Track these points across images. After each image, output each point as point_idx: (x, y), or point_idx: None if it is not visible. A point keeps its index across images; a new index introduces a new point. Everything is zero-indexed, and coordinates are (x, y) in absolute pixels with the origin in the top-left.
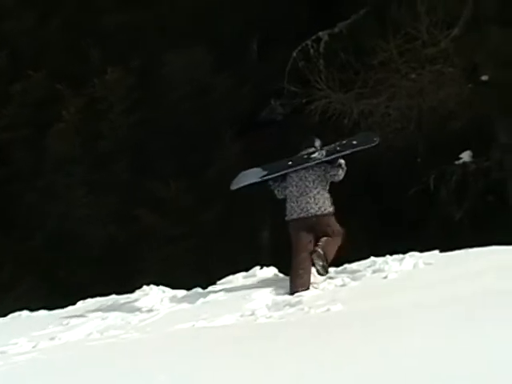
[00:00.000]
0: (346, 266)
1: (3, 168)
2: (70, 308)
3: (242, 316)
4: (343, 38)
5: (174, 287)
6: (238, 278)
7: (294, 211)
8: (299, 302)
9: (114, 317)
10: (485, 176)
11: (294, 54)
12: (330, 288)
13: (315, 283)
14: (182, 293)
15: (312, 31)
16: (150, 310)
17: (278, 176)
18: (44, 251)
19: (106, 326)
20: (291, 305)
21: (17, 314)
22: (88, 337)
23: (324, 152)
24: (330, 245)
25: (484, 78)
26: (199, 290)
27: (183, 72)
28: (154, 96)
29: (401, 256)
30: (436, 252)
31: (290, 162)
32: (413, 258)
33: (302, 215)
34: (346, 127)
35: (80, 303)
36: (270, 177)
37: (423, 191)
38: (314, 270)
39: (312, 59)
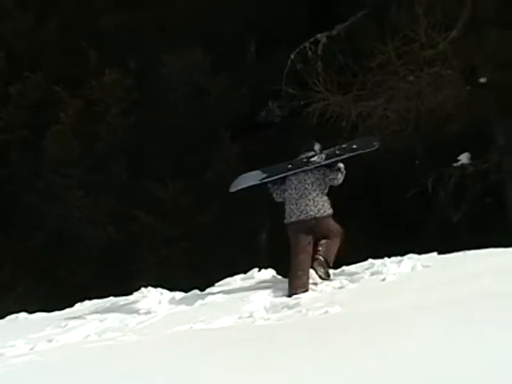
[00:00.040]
0: (344, 268)
1: (2, 169)
2: (68, 310)
3: (240, 318)
4: (341, 40)
5: (172, 289)
6: (236, 280)
7: (293, 213)
8: (297, 304)
9: (112, 319)
10: (483, 178)
11: (292, 56)
12: (328, 290)
13: (314, 285)
14: (180, 295)
15: (310, 33)
16: (148, 312)
17: (277, 179)
18: (43, 252)
19: (104, 328)
20: (289, 307)
21: (14, 316)
22: (86, 339)
23: (323, 156)
24: (330, 248)
25: (482, 80)
26: (197, 291)
27: (181, 73)
28: (152, 97)
29: (399, 258)
30: (434, 254)
31: (290, 166)
32: (411, 260)
33: (301, 217)
34: (344, 129)
35: (78, 305)
36: (269, 179)
37: (421, 193)
38: (313, 272)
39: (310, 61)
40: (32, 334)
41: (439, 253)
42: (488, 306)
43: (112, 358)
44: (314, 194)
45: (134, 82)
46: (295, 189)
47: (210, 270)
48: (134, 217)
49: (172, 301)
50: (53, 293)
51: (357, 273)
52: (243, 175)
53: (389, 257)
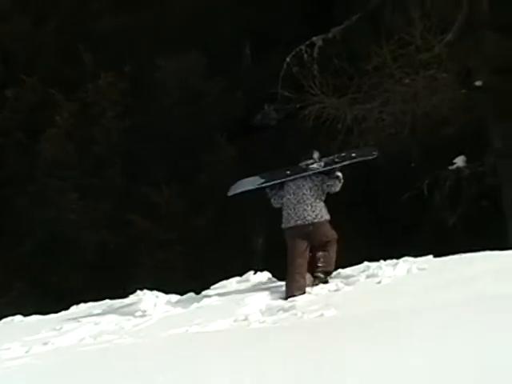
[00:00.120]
0: (340, 270)
1: None
2: (63, 313)
3: (235, 321)
4: (337, 43)
5: (167, 292)
6: (232, 283)
7: (290, 218)
8: (293, 307)
9: (108, 322)
10: (479, 181)
11: (288, 59)
12: (323, 293)
13: (310, 288)
14: (175, 298)
15: (306, 36)
16: (144, 315)
17: (275, 184)
18: (37, 256)
19: (99, 331)
20: (285, 310)
21: (9, 318)
22: (81, 342)
23: (322, 163)
24: (329, 261)
25: (478, 83)
26: (193, 294)
27: (176, 77)
28: (147, 101)
29: (394, 261)
30: (430, 257)
31: (288, 172)
32: (406, 263)
33: (298, 222)
34: (340, 132)
35: (73, 308)
36: (267, 184)
37: (417, 196)
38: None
39: (306, 64)
40: (27, 336)
41: (435, 256)
42: (484, 309)
43: (107, 361)
44: (312, 200)
45: (129, 85)
46: (293, 194)
47: (205, 273)
48: (129, 220)
49: (168, 304)
50: (46, 297)
51: (352, 275)
52: (241, 180)
53: (384, 259)
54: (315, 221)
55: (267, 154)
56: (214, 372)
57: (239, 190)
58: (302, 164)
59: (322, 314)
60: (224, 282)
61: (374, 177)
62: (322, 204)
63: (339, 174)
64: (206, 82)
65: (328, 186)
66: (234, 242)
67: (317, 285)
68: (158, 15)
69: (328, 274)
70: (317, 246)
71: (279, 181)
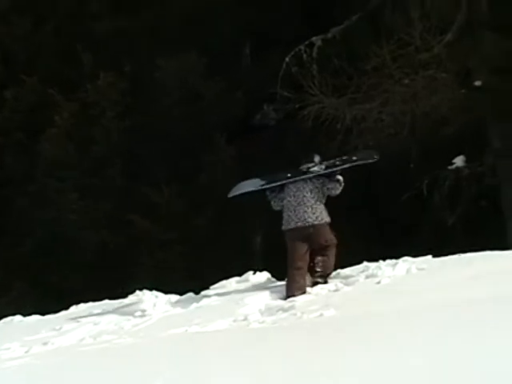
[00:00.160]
0: (339, 271)
1: None
2: (63, 313)
3: (234, 321)
4: (336, 44)
5: (167, 292)
6: (231, 283)
7: (291, 220)
8: (292, 307)
9: (107, 322)
10: (478, 181)
11: (287, 59)
12: (322, 293)
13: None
14: (175, 298)
15: (305, 36)
16: (143, 315)
17: (275, 186)
18: (37, 256)
19: (99, 331)
20: (284, 310)
21: (9, 318)
22: (81, 342)
23: (323, 166)
24: (327, 265)
25: (477, 83)
26: (192, 294)
27: (176, 77)
28: (147, 101)
29: (394, 261)
30: (429, 257)
31: (289, 174)
32: (406, 263)
33: (299, 224)
34: (339, 132)
35: (73, 308)
36: (267, 186)
37: (416, 196)
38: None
39: (305, 64)
40: (27, 336)
41: (434, 256)
42: (483, 309)
43: (107, 361)
44: (313, 202)
45: (129, 85)
46: (294, 196)
47: (205, 273)
48: (129, 220)
49: (167, 304)
50: (46, 297)
51: (352, 276)
52: (242, 183)
53: (384, 260)
54: (315, 223)
55: (267, 153)
56: (213, 372)
57: (239, 192)
58: (303, 167)
59: (321, 314)
60: (223, 282)
61: (374, 178)
62: (323, 206)
63: (340, 177)
64: (205, 82)
65: (328, 189)
66: (234, 243)
67: (316, 284)
68: (158, 15)
69: (326, 277)
70: (316, 250)
71: (280, 183)
